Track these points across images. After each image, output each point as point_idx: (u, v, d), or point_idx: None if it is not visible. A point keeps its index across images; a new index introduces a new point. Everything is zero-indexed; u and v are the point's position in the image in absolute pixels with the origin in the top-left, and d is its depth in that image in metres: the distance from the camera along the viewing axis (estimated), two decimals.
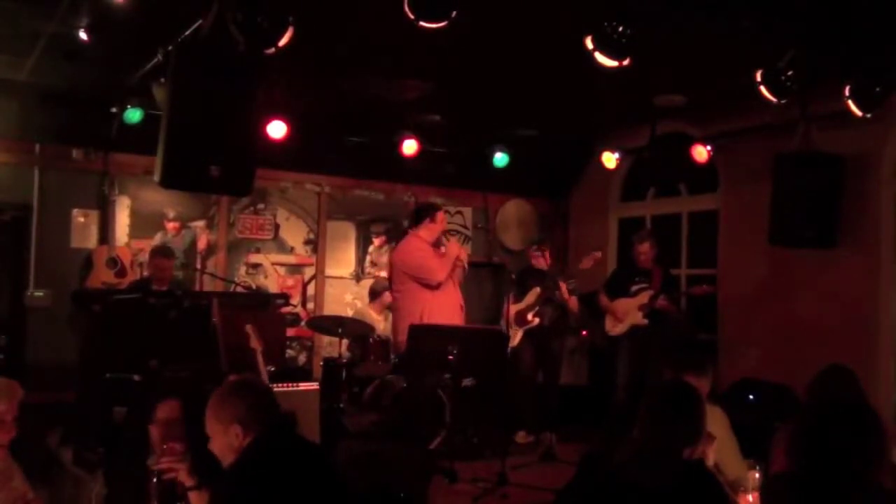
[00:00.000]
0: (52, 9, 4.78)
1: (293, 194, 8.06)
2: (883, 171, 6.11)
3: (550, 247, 7.26)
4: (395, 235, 8.04)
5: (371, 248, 8.43)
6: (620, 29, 4.29)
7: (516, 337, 6.76)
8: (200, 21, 4.12)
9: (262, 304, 7.08)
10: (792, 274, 6.60)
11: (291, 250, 8.07)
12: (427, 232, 6.17)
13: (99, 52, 5.27)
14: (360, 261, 8.39)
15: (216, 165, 4.18)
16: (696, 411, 2.76)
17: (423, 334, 5.58)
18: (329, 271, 8.21)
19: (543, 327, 6.80)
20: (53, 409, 5.60)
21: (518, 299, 6.82)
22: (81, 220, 7.11)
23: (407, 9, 3.94)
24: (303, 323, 7.83)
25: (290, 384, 5.52)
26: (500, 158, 8.00)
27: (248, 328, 5.39)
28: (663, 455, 2.61)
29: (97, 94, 6.49)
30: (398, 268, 6.14)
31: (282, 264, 8.00)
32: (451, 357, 5.37)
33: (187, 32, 4.39)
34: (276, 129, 6.79)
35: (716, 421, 3.49)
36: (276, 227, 8.00)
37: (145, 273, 6.95)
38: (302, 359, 7.99)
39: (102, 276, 6.80)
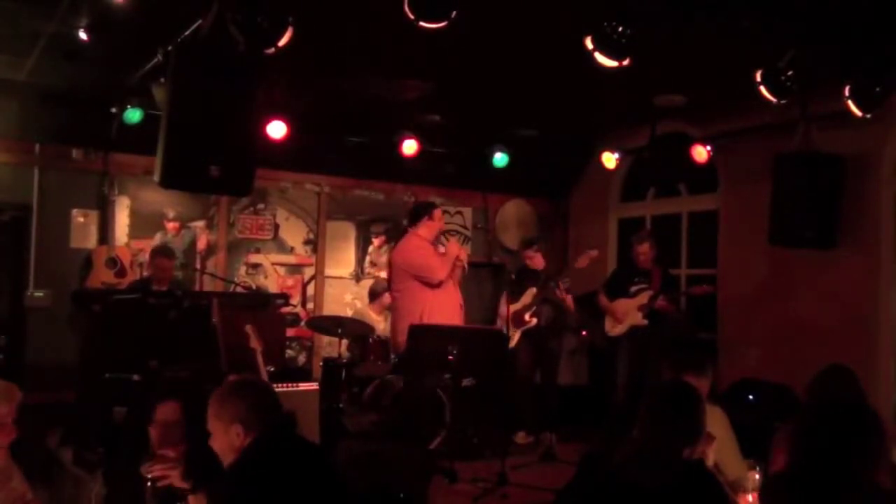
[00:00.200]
0: (52, 9, 4.78)
1: (293, 194, 8.06)
2: (883, 171, 6.11)
3: (544, 246, 7.25)
4: (394, 235, 8.03)
5: (371, 249, 8.43)
6: (620, 29, 4.29)
7: (514, 338, 6.75)
8: (200, 21, 4.12)
9: (261, 305, 7.08)
10: (792, 274, 6.60)
11: (291, 250, 8.07)
12: (426, 230, 6.17)
13: (99, 52, 5.26)
14: (360, 261, 8.39)
15: (216, 165, 4.18)
16: (696, 411, 2.76)
17: (423, 334, 5.58)
18: (329, 271, 8.21)
19: (541, 327, 6.79)
20: (53, 409, 5.61)
21: (514, 300, 6.80)
22: (81, 220, 7.11)
23: (407, 9, 3.94)
24: (303, 323, 7.83)
25: (289, 384, 5.52)
26: (500, 158, 8.00)
27: (248, 328, 5.39)
28: (663, 455, 2.61)
29: (97, 94, 6.49)
30: (399, 266, 6.14)
31: (282, 264, 8.00)
32: (451, 357, 5.37)
33: (187, 32, 4.38)
34: (276, 129, 6.79)
35: (716, 421, 3.49)
36: (276, 227, 7.99)
37: (145, 273, 6.95)
38: (302, 359, 7.99)
39: (102, 276, 6.80)
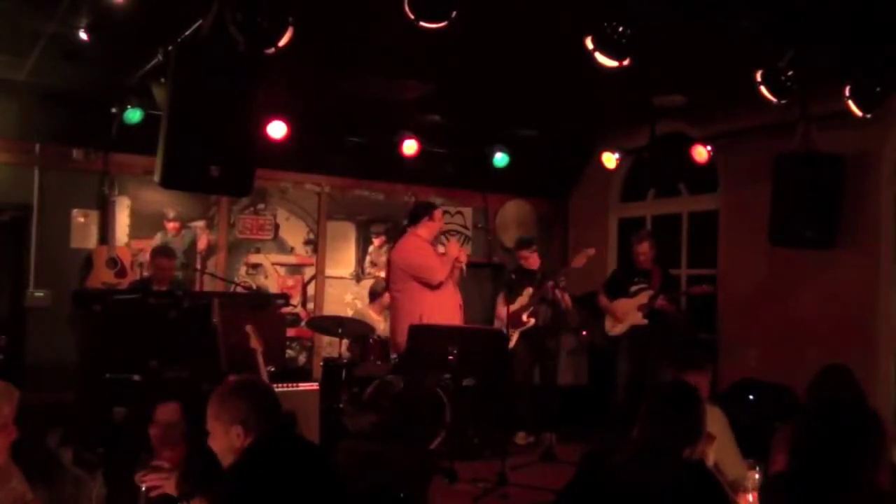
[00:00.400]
0: (52, 9, 4.78)
1: (293, 194, 8.06)
2: (883, 171, 6.11)
3: (539, 247, 7.25)
4: (394, 236, 8.02)
5: (371, 249, 8.43)
6: (620, 29, 4.29)
7: (512, 339, 6.74)
8: (200, 21, 4.12)
9: (262, 305, 7.07)
10: (792, 274, 6.60)
11: (291, 250, 8.07)
12: (426, 230, 6.17)
13: (99, 52, 5.26)
14: (360, 261, 8.39)
15: (216, 165, 4.18)
16: (696, 411, 2.76)
17: (423, 334, 5.57)
18: (329, 271, 8.21)
19: (539, 327, 6.79)
20: (53, 409, 5.60)
21: (510, 300, 6.79)
22: (81, 220, 7.11)
23: (407, 9, 3.94)
24: (303, 323, 7.83)
25: (290, 384, 5.52)
26: (500, 158, 8.00)
27: (248, 328, 5.39)
28: (663, 455, 2.62)
29: (97, 94, 6.49)
30: (398, 267, 6.13)
31: (282, 264, 8.00)
32: (451, 357, 5.37)
33: (187, 32, 4.38)
34: (276, 129, 6.79)
35: (716, 421, 3.50)
36: (276, 227, 7.99)
37: (145, 273, 6.95)
38: (302, 359, 7.99)
39: (102, 277, 6.80)
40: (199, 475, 2.94)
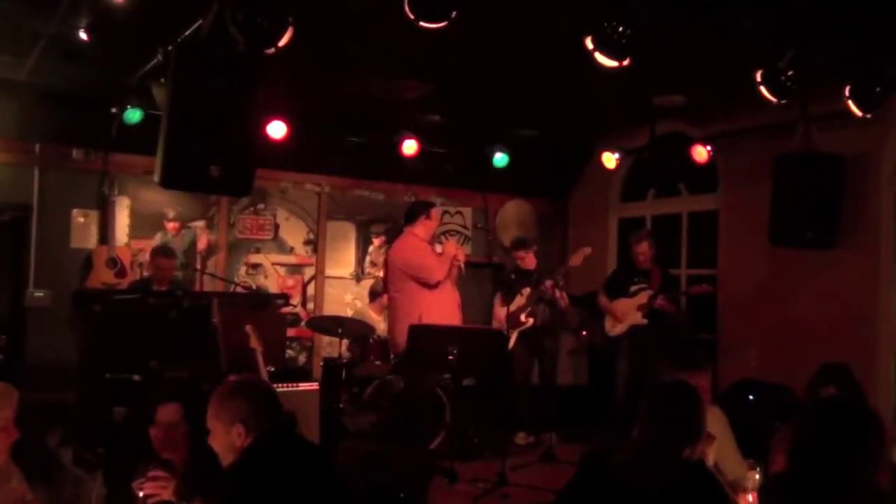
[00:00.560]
0: (52, 9, 4.78)
1: (293, 194, 8.06)
2: (883, 171, 6.11)
3: (535, 247, 7.25)
4: (394, 236, 8.02)
5: (371, 249, 8.43)
6: (620, 29, 4.29)
7: (511, 339, 6.73)
8: (200, 21, 4.12)
9: (262, 305, 7.07)
10: (792, 274, 6.60)
11: (291, 250, 8.07)
12: (423, 229, 6.17)
13: (99, 52, 5.27)
14: (360, 261, 8.39)
15: (216, 165, 4.18)
16: (696, 411, 2.76)
17: (423, 334, 5.57)
18: (329, 271, 8.22)
19: (537, 327, 6.78)
20: (53, 409, 5.59)
21: (508, 300, 6.78)
22: (81, 220, 7.11)
23: (407, 9, 3.94)
24: (303, 323, 7.83)
25: (290, 384, 5.51)
26: (500, 158, 8.00)
27: (248, 328, 5.39)
28: (663, 455, 2.62)
29: (97, 94, 6.49)
30: (396, 266, 6.13)
31: (282, 264, 8.00)
32: (451, 357, 5.37)
33: (187, 32, 4.39)
34: (276, 129, 6.79)
35: (716, 421, 3.50)
36: (276, 227, 8.00)
37: (145, 273, 6.95)
38: (302, 359, 7.99)
39: (102, 277, 6.80)
40: (200, 476, 2.94)
